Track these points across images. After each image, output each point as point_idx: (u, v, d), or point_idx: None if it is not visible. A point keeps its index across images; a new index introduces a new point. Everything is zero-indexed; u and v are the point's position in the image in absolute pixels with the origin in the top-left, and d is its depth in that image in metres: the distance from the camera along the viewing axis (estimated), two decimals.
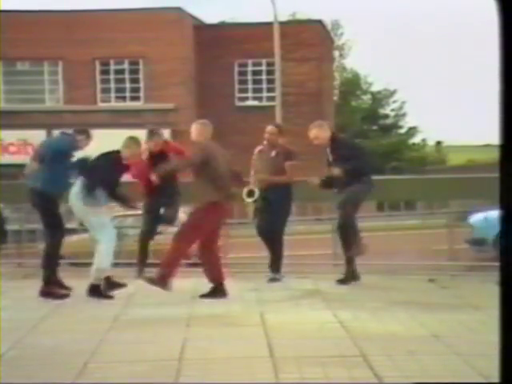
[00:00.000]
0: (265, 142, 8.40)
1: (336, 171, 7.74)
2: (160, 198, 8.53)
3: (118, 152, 7.49)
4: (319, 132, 8.04)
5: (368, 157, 8.43)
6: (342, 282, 7.84)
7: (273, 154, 8.28)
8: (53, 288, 7.49)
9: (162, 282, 7.10)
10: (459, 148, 54.50)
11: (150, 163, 8.51)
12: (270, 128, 8.47)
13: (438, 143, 52.63)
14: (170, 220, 8.83)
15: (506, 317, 2.62)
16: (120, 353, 5.09)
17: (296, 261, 9.89)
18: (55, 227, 7.66)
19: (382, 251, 10.12)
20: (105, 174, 7.33)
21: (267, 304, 6.87)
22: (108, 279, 7.42)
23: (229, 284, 8.24)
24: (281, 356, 4.81)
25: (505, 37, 2.49)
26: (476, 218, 11.10)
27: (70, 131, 8.02)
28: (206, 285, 8.21)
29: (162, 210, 8.72)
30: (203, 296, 7.21)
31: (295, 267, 9.34)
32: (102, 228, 7.36)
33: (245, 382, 4.32)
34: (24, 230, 10.91)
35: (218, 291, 7.24)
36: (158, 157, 8.55)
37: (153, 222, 8.69)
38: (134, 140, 7.62)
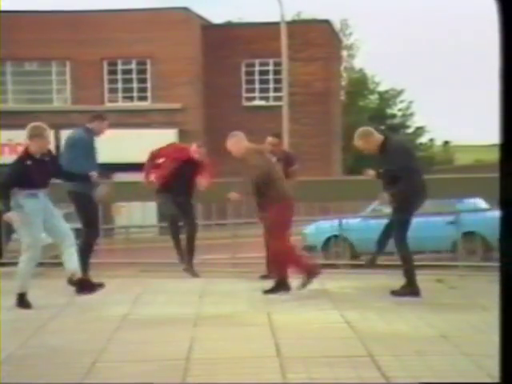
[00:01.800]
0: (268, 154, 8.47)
1: (382, 197, 7.30)
2: (174, 195, 8.63)
3: (25, 150, 6.98)
4: (365, 142, 7.31)
5: (410, 165, 7.21)
6: (396, 293, 7.17)
7: (274, 159, 8.35)
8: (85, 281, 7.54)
9: (283, 285, 7.43)
10: (466, 148, 54.39)
11: (182, 165, 8.66)
12: (270, 140, 8.56)
13: (446, 143, 52.53)
14: (191, 225, 8.88)
15: (506, 317, 2.61)
16: (127, 352, 5.10)
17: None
18: (88, 225, 7.85)
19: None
20: (15, 176, 6.82)
21: (274, 304, 6.87)
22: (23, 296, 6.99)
23: (236, 284, 8.26)
24: (288, 356, 4.81)
25: (505, 37, 2.49)
26: (308, 227, 11.72)
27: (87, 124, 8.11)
28: (214, 284, 8.22)
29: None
30: (267, 292, 7.41)
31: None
32: (30, 241, 6.87)
33: (252, 381, 4.32)
34: None
35: (281, 286, 7.44)
36: (190, 164, 8.71)
37: (174, 209, 8.76)
38: (38, 128, 7.02)
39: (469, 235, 11.41)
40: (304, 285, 7.44)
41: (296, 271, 7.49)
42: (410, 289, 7.19)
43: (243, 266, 9.89)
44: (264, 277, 8.54)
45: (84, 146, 7.91)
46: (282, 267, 7.53)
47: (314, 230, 11.73)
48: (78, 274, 7.14)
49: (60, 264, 8.14)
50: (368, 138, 7.30)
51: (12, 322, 6.24)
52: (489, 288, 7.40)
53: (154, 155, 8.90)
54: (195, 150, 8.84)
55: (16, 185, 6.81)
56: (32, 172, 6.83)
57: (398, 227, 7.30)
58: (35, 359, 4.98)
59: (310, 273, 7.46)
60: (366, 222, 11.76)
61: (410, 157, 7.37)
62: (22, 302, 6.92)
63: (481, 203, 12.81)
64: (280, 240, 7.40)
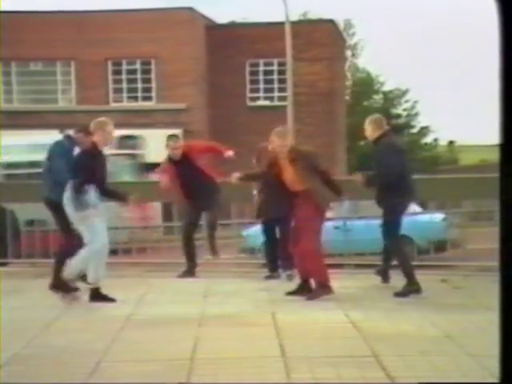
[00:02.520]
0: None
1: (357, 177, 7.59)
2: (199, 201, 8.60)
3: (92, 143, 7.05)
4: (368, 127, 7.60)
5: (390, 168, 7.33)
6: (400, 294, 7.22)
7: None
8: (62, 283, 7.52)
9: (326, 288, 7.10)
10: (471, 148, 54.19)
11: (175, 168, 8.63)
12: (278, 129, 8.60)
13: (451, 143, 52.38)
14: (212, 226, 8.90)
15: (506, 317, 2.61)
16: (132, 352, 5.10)
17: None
18: (66, 233, 7.76)
19: None
20: (87, 170, 6.90)
21: (279, 304, 6.87)
22: (66, 285, 7.07)
23: (240, 284, 8.26)
24: (292, 356, 4.81)
25: (505, 37, 2.48)
26: (249, 230, 12.03)
27: (70, 132, 7.98)
28: (218, 284, 8.23)
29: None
30: (310, 297, 7.05)
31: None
32: (92, 236, 6.93)
33: (256, 381, 4.32)
34: (37, 230, 10.96)
35: (323, 289, 7.14)
36: (181, 161, 8.62)
37: (192, 225, 8.79)
38: (99, 123, 7.10)
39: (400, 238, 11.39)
40: (313, 296, 7.08)
41: (313, 275, 7.20)
42: (412, 287, 7.22)
43: (247, 266, 9.90)
44: (268, 277, 8.55)
45: (65, 158, 7.64)
46: (317, 269, 7.17)
47: (253, 232, 11.67)
48: (96, 285, 7.08)
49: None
50: (371, 124, 7.60)
51: (16, 321, 6.26)
52: (493, 288, 7.37)
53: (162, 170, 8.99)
54: (173, 146, 8.69)
55: (88, 179, 6.86)
56: (96, 167, 6.92)
57: (387, 229, 7.41)
58: (40, 359, 4.98)
59: (323, 287, 7.15)
60: None
61: (397, 157, 7.42)
62: (97, 296, 6.95)
63: (413, 206, 12.77)
64: (315, 241, 7.22)
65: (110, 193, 7.18)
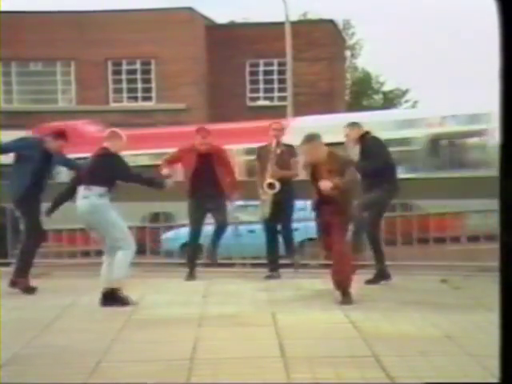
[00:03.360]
0: (274, 140, 8.59)
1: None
2: (205, 200, 8.57)
3: (105, 148, 7.07)
4: (352, 130, 8.02)
5: (385, 160, 7.90)
6: (371, 282, 7.80)
7: (278, 151, 8.46)
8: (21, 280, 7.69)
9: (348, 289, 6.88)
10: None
11: (197, 163, 8.59)
12: (275, 125, 8.69)
13: None
14: (221, 225, 8.81)
15: (505, 317, 2.61)
16: (132, 352, 5.10)
17: (307, 260, 9.90)
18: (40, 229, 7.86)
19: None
20: (123, 174, 7.06)
21: (279, 304, 6.87)
22: (114, 292, 6.93)
23: (240, 284, 8.27)
24: (292, 356, 4.81)
25: (505, 37, 2.48)
26: (168, 233, 12.12)
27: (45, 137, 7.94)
28: (218, 285, 8.23)
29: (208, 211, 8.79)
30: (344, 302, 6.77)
31: (306, 267, 9.35)
32: (123, 235, 6.93)
33: (256, 382, 4.32)
34: None
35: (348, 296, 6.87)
36: (204, 157, 8.60)
37: (199, 224, 8.75)
38: (114, 134, 7.19)
39: (312, 241, 11.47)
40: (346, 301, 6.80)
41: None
42: (384, 275, 7.87)
43: (247, 267, 9.90)
44: (268, 277, 8.55)
45: (34, 159, 7.69)
46: (349, 275, 6.92)
47: (172, 235, 11.86)
48: (113, 285, 6.93)
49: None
50: (355, 127, 8.03)
51: (16, 321, 6.26)
52: (493, 288, 7.37)
53: (174, 157, 8.90)
54: (200, 142, 8.67)
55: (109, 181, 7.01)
56: (107, 169, 7.04)
57: (371, 223, 7.82)
58: (40, 359, 4.99)
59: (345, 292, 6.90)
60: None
61: (386, 153, 8.07)
62: (117, 298, 6.83)
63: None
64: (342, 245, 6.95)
65: (146, 180, 7.31)
